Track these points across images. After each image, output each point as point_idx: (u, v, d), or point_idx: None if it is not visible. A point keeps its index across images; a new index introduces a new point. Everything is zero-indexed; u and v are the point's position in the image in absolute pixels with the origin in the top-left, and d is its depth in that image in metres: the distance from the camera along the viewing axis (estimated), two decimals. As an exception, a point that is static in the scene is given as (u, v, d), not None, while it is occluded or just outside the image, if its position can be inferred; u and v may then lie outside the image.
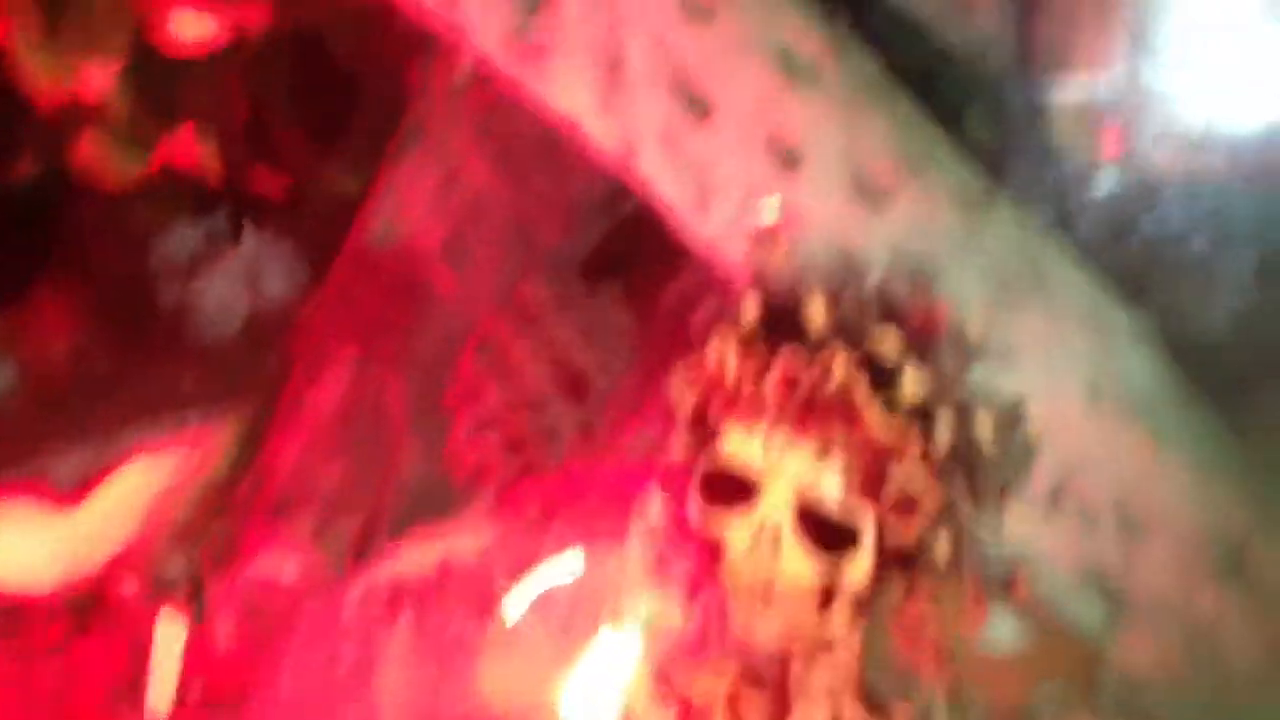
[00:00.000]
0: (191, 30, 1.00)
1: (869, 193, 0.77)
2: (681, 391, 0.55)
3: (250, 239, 1.10)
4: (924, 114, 0.80)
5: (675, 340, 0.58)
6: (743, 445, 0.54)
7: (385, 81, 1.04)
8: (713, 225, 0.80)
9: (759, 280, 0.59)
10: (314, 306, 1.02)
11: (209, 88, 1.01)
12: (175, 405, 1.03)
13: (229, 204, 1.08)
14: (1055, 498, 0.75)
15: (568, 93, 0.81)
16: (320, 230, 1.05)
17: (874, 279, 0.59)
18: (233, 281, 1.11)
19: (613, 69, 0.79)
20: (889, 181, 0.76)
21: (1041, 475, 0.63)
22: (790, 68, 0.78)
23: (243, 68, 1.01)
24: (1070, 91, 0.86)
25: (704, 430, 0.55)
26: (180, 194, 1.06)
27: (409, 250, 0.99)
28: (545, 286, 0.99)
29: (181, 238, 1.11)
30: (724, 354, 0.54)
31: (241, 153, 1.03)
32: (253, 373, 1.04)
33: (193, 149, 1.01)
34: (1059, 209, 0.81)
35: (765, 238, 0.69)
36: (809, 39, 0.79)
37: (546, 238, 1.00)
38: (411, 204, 1.01)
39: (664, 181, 0.80)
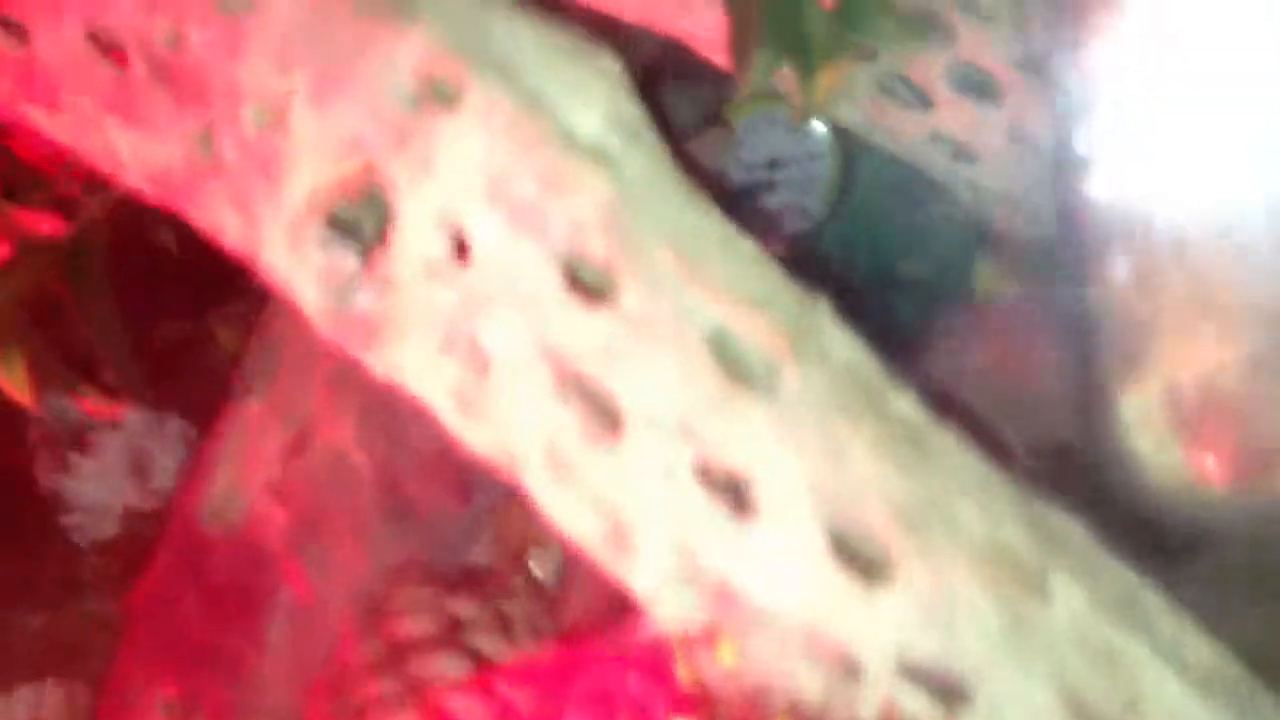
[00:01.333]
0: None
1: (855, 554, 0.49)
2: None
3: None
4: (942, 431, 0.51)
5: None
6: None
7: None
8: (643, 577, 0.52)
9: (694, 702, 0.44)
10: (129, 613, 0.76)
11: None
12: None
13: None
14: None
15: (417, 383, 0.54)
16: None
17: (873, 694, 0.44)
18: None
19: (472, 357, 0.52)
20: (886, 536, 0.48)
21: None
22: (730, 365, 0.50)
23: (35, 283, 0.76)
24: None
25: None
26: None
27: (249, 536, 0.73)
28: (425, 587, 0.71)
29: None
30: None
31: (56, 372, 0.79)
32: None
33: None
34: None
35: (699, 636, 0.49)
36: (758, 323, 0.50)
37: (427, 511, 0.73)
38: (254, 470, 0.74)
39: (563, 513, 0.53)
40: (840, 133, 0.81)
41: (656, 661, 0.52)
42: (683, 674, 0.49)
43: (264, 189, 0.55)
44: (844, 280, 0.76)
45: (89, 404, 0.86)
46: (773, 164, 0.86)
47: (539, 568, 0.72)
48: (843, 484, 0.49)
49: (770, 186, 0.85)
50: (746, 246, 0.53)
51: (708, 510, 0.50)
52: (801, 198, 0.85)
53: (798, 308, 0.52)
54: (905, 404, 0.52)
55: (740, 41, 0.71)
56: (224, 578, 0.73)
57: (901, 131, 0.74)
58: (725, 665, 0.48)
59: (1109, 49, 0.62)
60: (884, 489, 0.49)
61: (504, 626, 0.67)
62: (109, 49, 0.59)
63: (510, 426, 0.53)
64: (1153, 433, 0.52)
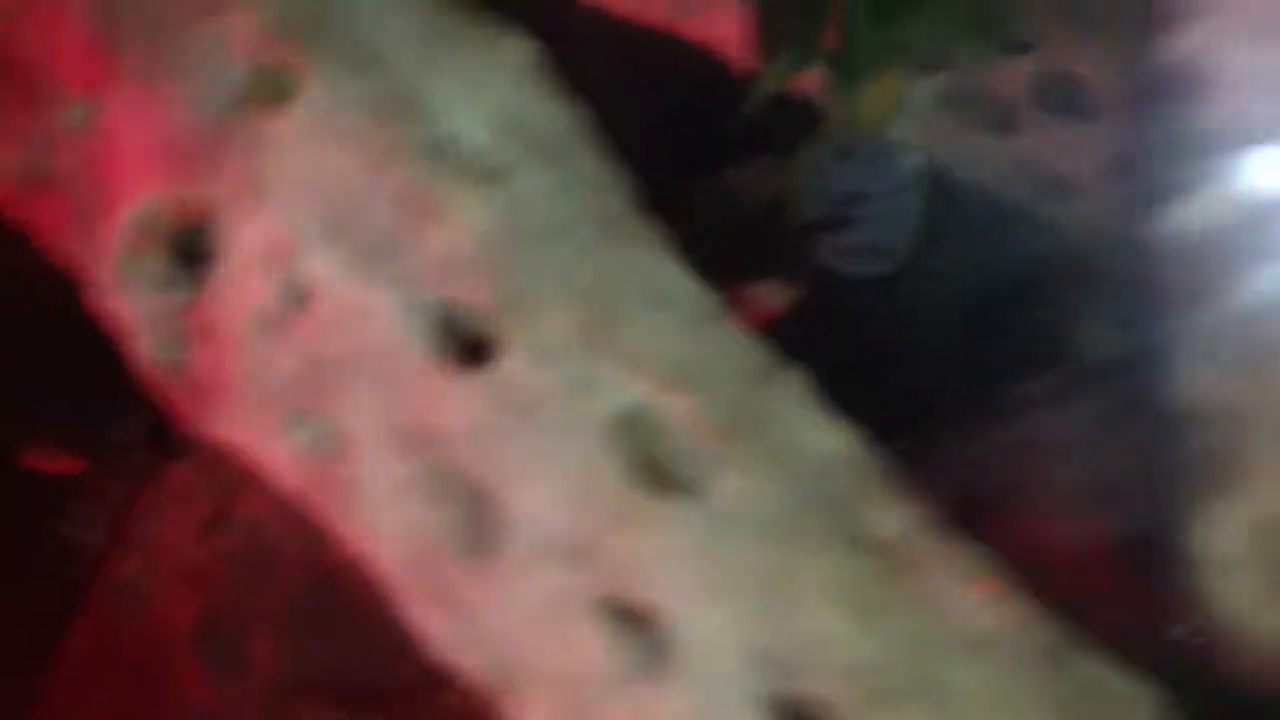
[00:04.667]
0: None
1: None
2: None
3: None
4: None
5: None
6: None
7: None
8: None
9: None
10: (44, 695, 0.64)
11: None
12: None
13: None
14: None
15: (266, 465, 0.42)
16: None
17: None
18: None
19: (323, 436, 0.39)
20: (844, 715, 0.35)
21: None
22: (645, 461, 0.37)
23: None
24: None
25: None
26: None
27: (156, 625, 0.62)
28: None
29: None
30: None
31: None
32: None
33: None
34: None
35: None
36: (686, 406, 0.37)
37: (360, 610, 0.52)
38: (170, 545, 0.62)
39: (442, 643, 0.40)
40: (931, 165, 0.70)
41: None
42: None
43: (92, 210, 0.44)
44: (924, 334, 0.64)
45: (40, 462, 0.78)
46: (853, 198, 0.75)
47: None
48: (788, 638, 0.35)
49: (848, 223, 0.74)
50: (690, 301, 0.40)
51: (608, 658, 0.37)
52: (883, 236, 0.74)
53: (749, 386, 0.39)
54: (893, 522, 0.37)
55: (765, 41, 0.60)
56: (127, 674, 0.61)
57: (979, 157, 0.61)
58: None
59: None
60: (843, 649, 0.35)
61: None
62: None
63: (375, 527, 0.40)
64: (1244, 578, 0.37)
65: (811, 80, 0.63)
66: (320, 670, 0.62)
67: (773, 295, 0.69)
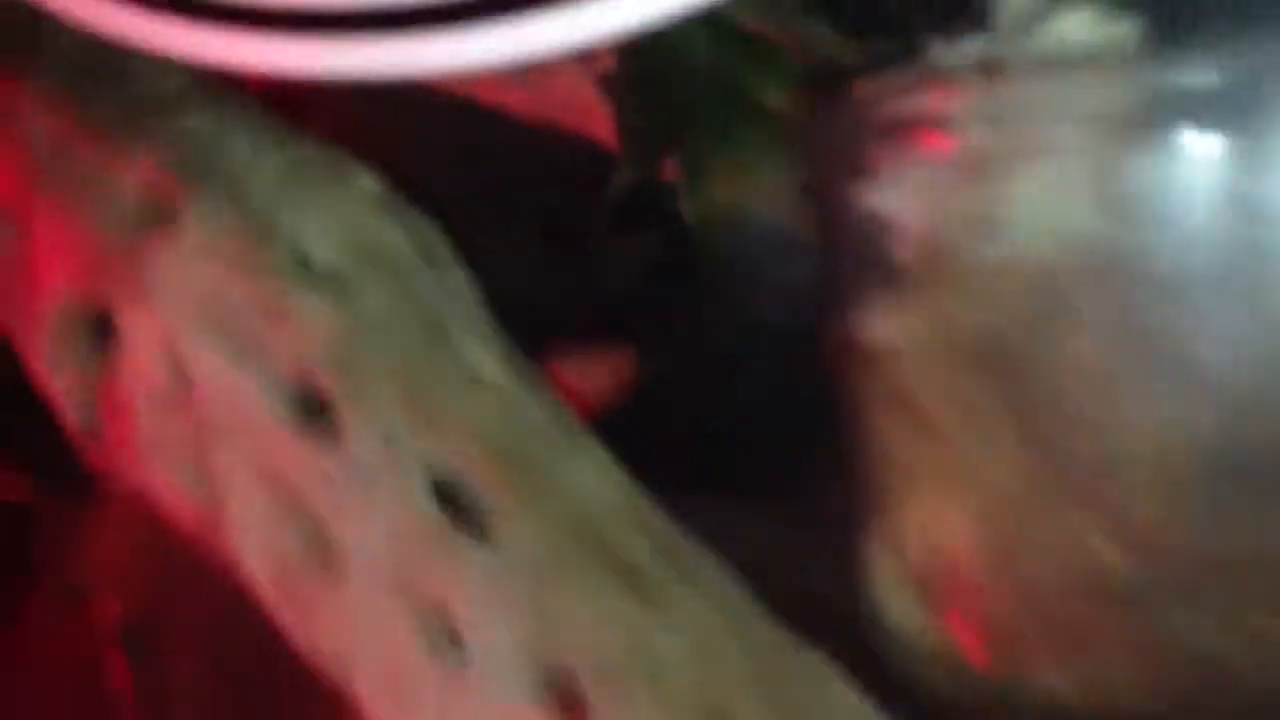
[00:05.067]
0: None
1: (564, 711, 0.46)
2: None
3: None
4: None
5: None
6: None
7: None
8: (376, 707, 0.48)
9: None
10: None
11: None
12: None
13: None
14: None
15: (168, 506, 0.52)
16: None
17: None
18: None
19: (210, 488, 0.50)
20: (586, 691, 0.45)
21: None
22: (452, 510, 0.47)
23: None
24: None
25: None
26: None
27: (87, 629, 0.69)
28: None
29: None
30: None
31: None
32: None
33: None
34: None
35: None
36: (483, 466, 0.47)
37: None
38: (105, 564, 0.68)
39: (304, 647, 0.49)
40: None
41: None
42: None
43: (26, 308, 0.54)
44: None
45: None
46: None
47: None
48: (549, 637, 0.46)
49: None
50: (500, 382, 0.51)
51: (421, 655, 0.48)
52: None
53: (539, 446, 0.50)
54: (642, 551, 0.49)
55: (622, 137, 0.69)
56: (60, 663, 0.70)
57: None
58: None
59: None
60: (590, 646, 0.46)
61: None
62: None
63: (249, 552, 0.50)
64: (896, 594, 0.48)
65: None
66: (225, 664, 0.72)
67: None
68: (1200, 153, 0.41)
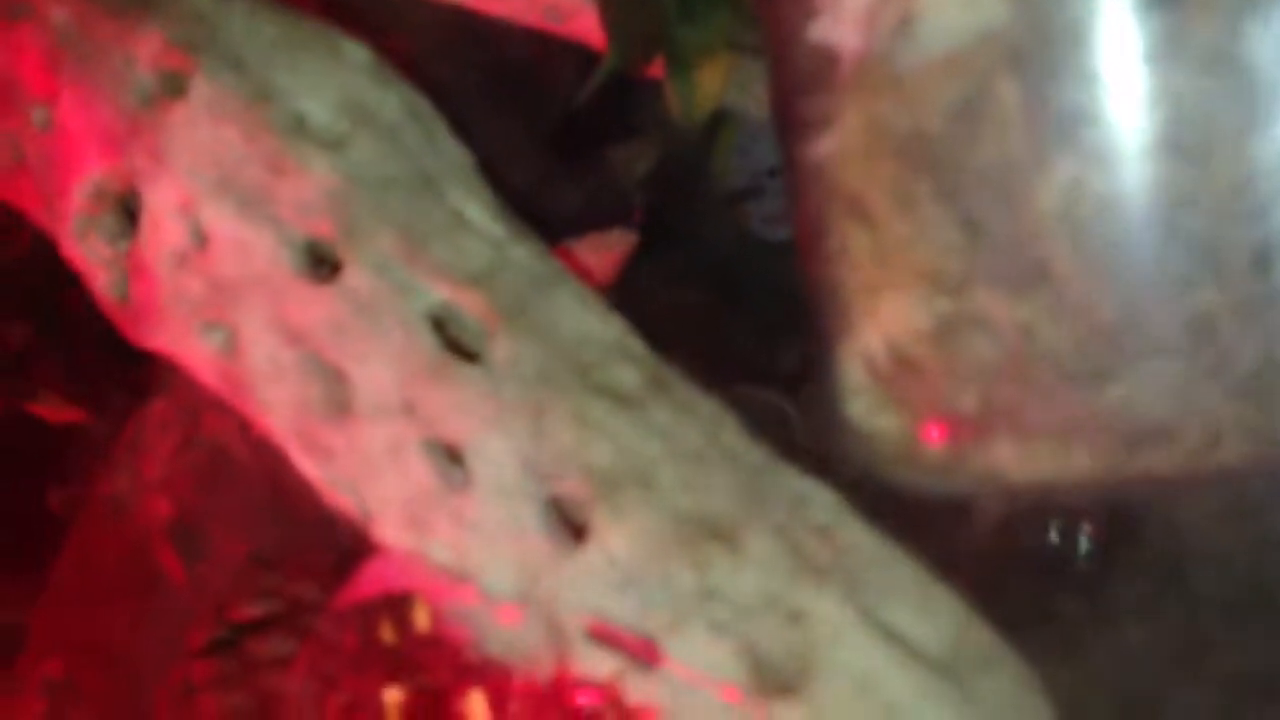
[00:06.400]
0: None
1: (561, 519, 0.49)
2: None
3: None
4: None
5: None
6: None
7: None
8: (383, 539, 0.53)
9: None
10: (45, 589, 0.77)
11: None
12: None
13: None
14: None
15: (188, 363, 0.56)
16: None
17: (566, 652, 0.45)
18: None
19: (226, 338, 0.54)
20: (583, 502, 0.49)
21: None
22: (449, 340, 0.51)
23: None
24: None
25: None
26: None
27: (136, 527, 0.74)
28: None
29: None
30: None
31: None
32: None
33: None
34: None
35: (397, 599, 0.51)
36: (474, 299, 0.51)
37: (309, 505, 0.65)
38: (148, 466, 0.74)
39: (322, 486, 0.54)
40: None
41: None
42: (386, 636, 0.51)
43: (55, 185, 0.59)
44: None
45: (47, 411, 0.91)
46: (773, 172, 0.86)
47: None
48: (544, 453, 0.50)
49: (765, 193, 0.85)
50: (488, 229, 0.55)
51: (431, 480, 0.52)
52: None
53: (528, 287, 0.53)
54: (629, 376, 0.52)
55: (609, 36, 0.71)
56: (110, 566, 0.75)
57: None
58: (420, 627, 0.50)
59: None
60: (582, 457, 0.50)
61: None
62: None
63: (267, 403, 0.55)
64: (862, 398, 0.52)
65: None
66: (266, 549, 0.77)
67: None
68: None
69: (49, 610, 0.80)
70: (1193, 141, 0.44)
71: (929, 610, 0.50)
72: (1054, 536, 0.50)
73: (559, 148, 0.84)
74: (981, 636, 0.50)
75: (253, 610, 0.70)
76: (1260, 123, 0.43)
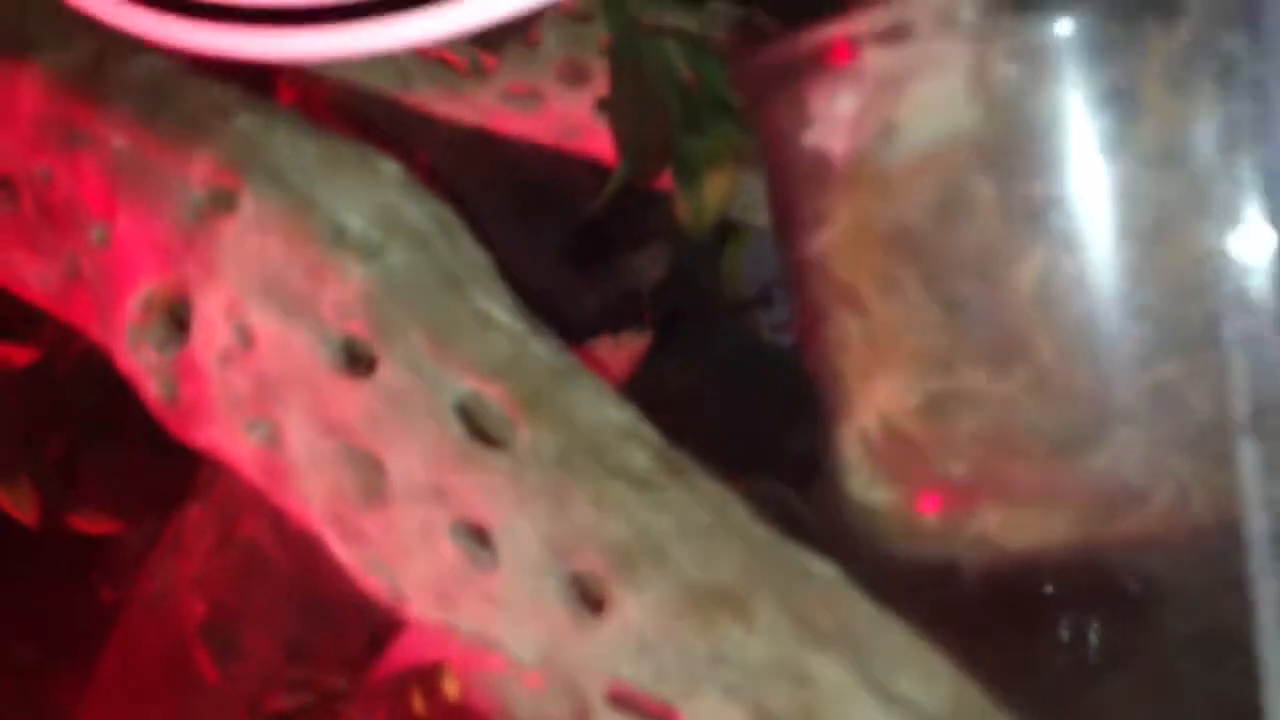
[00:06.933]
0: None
1: (581, 594, 0.53)
2: None
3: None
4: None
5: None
6: None
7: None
8: (424, 616, 0.55)
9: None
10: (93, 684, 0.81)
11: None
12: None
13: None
14: None
15: (234, 459, 0.59)
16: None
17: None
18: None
19: (269, 432, 0.57)
20: (602, 576, 0.52)
21: None
22: (476, 429, 0.55)
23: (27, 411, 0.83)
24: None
25: None
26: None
27: (173, 625, 0.78)
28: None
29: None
30: None
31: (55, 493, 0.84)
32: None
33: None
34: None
35: (428, 670, 0.56)
36: (498, 391, 0.55)
37: (341, 606, 0.71)
38: (185, 566, 0.79)
39: (357, 571, 0.57)
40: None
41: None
42: (417, 706, 0.54)
43: (110, 298, 0.64)
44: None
45: (85, 524, 0.95)
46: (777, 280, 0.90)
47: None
48: (565, 531, 0.54)
49: (773, 302, 0.90)
50: (509, 327, 0.59)
51: (459, 560, 0.56)
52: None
53: (548, 379, 0.58)
54: (642, 458, 0.56)
55: (619, 148, 0.76)
56: (149, 664, 0.80)
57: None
58: (450, 697, 0.54)
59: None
60: (600, 534, 0.53)
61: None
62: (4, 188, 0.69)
63: (306, 492, 0.58)
64: (860, 474, 0.56)
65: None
66: (298, 645, 0.80)
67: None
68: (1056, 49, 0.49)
69: (95, 706, 0.84)
70: (1148, 225, 0.49)
71: (926, 674, 0.54)
72: (1047, 597, 0.54)
73: (575, 256, 0.89)
74: (976, 698, 0.54)
75: (285, 703, 0.73)
76: (1205, 207, 0.48)
